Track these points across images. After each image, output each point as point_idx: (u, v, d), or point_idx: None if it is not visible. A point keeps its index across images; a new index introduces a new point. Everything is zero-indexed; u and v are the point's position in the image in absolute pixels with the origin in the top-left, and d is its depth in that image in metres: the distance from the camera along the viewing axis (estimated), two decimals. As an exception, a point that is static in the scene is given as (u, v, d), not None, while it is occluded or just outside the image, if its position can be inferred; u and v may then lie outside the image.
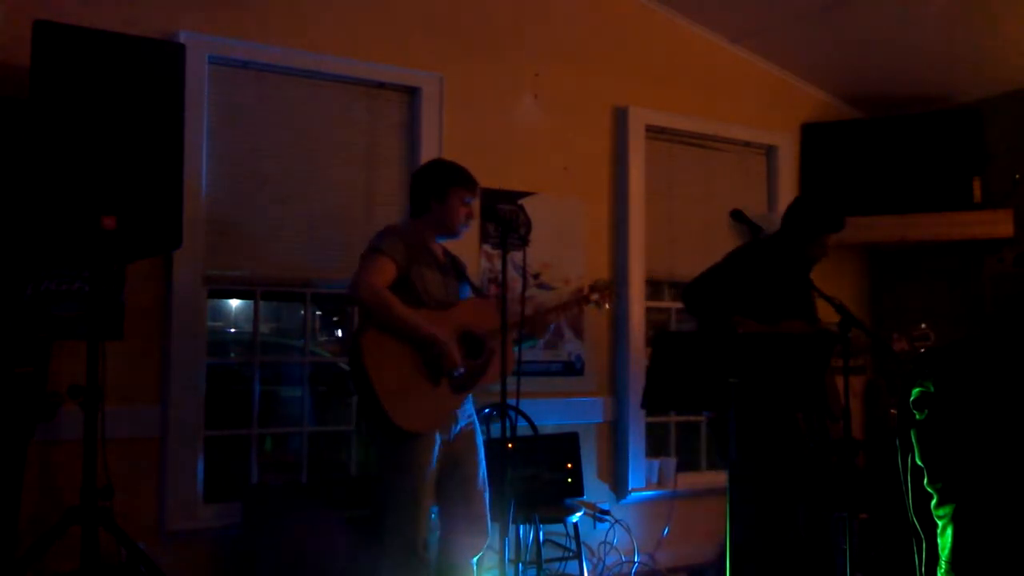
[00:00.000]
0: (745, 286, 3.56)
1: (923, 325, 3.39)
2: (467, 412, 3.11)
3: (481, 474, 3.10)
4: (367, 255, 2.95)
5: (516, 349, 3.20)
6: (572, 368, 4.39)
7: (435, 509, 3.09)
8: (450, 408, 3.01)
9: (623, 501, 4.45)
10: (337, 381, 4.24)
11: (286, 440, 4.79)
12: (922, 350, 3.22)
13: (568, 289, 4.34)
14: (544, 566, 3.80)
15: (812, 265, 3.64)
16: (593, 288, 3.41)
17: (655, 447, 4.72)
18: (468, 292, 3.21)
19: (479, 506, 3.07)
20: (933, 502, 2.00)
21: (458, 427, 3.06)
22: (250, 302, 4.01)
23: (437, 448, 2.96)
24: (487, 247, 4.17)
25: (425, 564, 2.93)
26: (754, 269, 3.58)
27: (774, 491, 3.36)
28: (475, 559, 3.08)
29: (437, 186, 3.09)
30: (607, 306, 3.46)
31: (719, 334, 3.41)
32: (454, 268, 3.18)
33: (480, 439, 3.15)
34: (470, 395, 3.12)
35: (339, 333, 3.99)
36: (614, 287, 3.49)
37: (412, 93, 4.08)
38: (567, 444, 4.03)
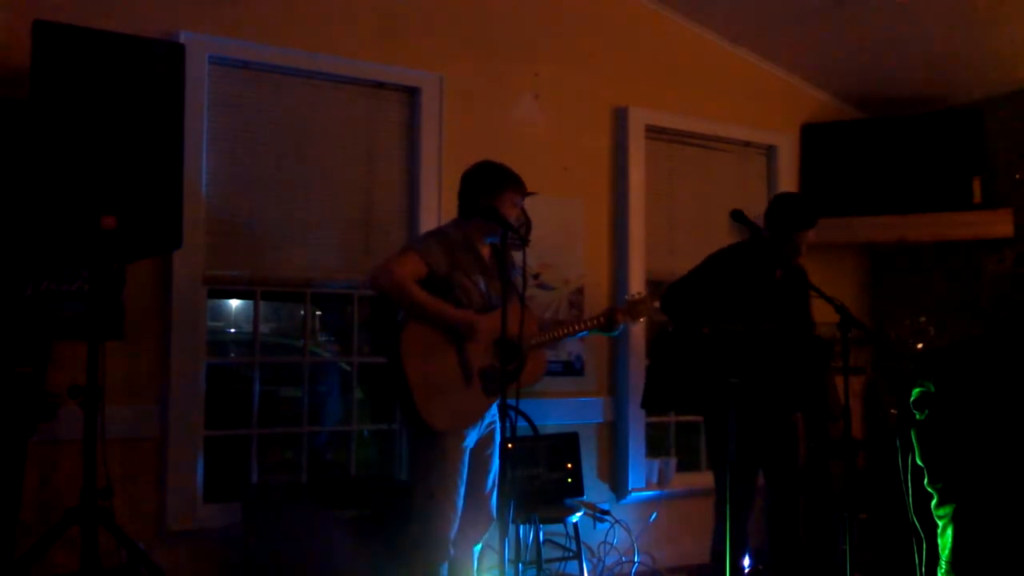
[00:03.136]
0: (720, 289, 3.62)
1: (922, 319, 3.39)
2: (492, 414, 3.14)
3: (493, 472, 3.17)
4: (399, 250, 3.02)
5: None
6: (572, 368, 4.39)
7: None
8: (480, 409, 3.04)
9: (623, 501, 4.45)
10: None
11: (285, 440, 4.79)
12: (919, 346, 3.21)
13: (568, 289, 4.36)
14: (544, 566, 3.80)
15: (789, 264, 3.67)
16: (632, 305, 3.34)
17: (655, 447, 4.72)
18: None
19: (486, 503, 3.14)
20: (933, 502, 2.01)
21: (484, 427, 3.10)
22: (250, 302, 4.00)
23: (469, 445, 3.02)
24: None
25: (448, 556, 2.97)
26: (730, 271, 3.64)
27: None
28: (477, 547, 3.15)
29: (491, 187, 3.09)
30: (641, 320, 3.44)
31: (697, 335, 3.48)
32: (499, 269, 3.19)
33: (498, 438, 3.17)
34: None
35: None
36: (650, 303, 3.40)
37: (412, 93, 4.08)
38: (567, 444, 4.04)
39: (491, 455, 3.16)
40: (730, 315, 3.57)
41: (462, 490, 2.98)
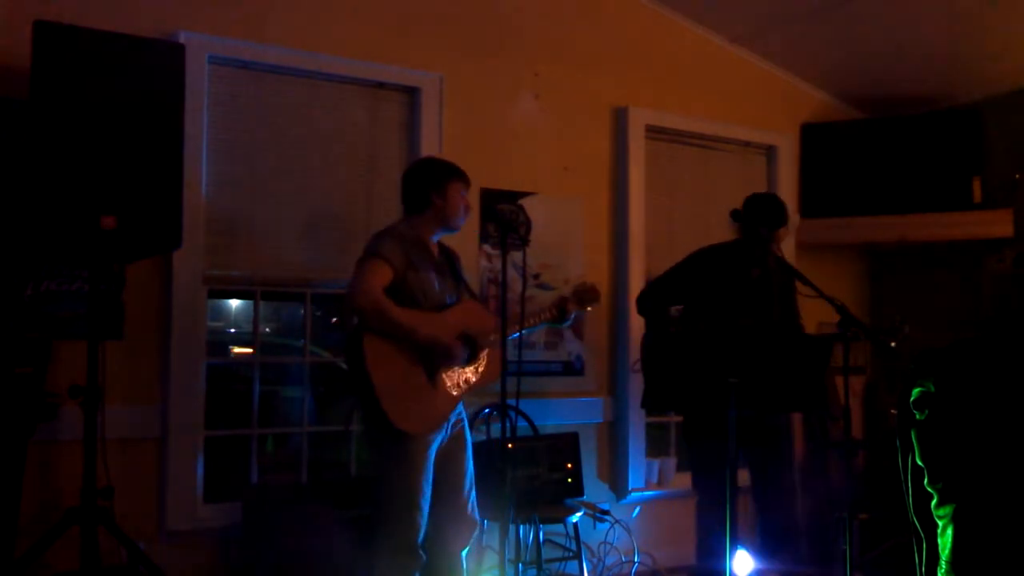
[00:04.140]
0: (694, 288, 3.61)
1: (897, 318, 3.33)
2: (458, 411, 3.13)
3: (469, 472, 3.13)
4: (363, 259, 2.95)
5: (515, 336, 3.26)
6: (572, 368, 4.39)
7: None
8: (447, 410, 3.03)
9: (623, 501, 4.45)
10: (335, 380, 4.24)
11: (286, 440, 4.79)
12: (892, 344, 3.17)
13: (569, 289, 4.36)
14: (544, 566, 3.79)
15: (767, 264, 3.64)
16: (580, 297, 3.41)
17: (655, 447, 4.72)
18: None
19: (466, 502, 3.10)
20: (933, 502, 2.00)
21: (450, 426, 3.08)
22: (250, 302, 4.01)
23: (434, 449, 2.98)
24: (487, 247, 4.16)
25: (420, 561, 2.95)
26: (705, 272, 3.63)
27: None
28: (464, 551, 3.11)
29: (436, 180, 3.09)
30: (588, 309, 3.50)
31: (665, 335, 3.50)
32: (448, 265, 3.20)
33: (469, 438, 3.18)
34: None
35: (339, 334, 4.00)
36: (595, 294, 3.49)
37: (412, 93, 4.08)
38: (567, 444, 4.03)
39: (464, 456, 3.12)
40: (704, 314, 3.58)
41: (428, 493, 2.95)
